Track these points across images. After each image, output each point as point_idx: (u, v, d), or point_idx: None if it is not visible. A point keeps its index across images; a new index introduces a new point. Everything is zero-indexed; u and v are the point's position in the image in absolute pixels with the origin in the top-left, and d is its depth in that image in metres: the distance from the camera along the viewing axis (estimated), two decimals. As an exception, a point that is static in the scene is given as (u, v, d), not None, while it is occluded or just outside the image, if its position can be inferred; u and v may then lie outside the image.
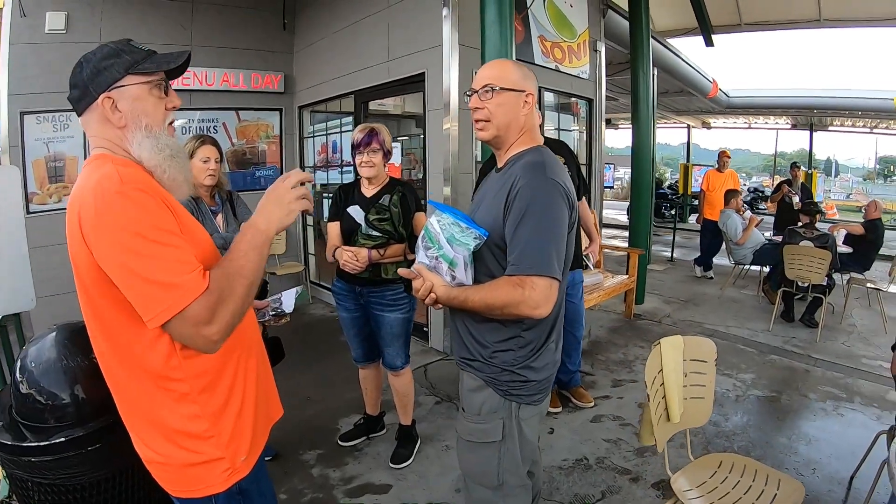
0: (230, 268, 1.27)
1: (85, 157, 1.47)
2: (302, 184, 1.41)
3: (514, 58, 4.07)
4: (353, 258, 2.91)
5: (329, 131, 7.01)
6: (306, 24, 7.02)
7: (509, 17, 3.99)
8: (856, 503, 2.94)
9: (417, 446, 3.46)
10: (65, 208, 1.29)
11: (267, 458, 3.31)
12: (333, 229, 3.11)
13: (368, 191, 3.10)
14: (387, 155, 3.08)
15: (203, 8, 6.54)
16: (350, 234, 3.05)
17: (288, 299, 1.68)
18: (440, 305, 1.76)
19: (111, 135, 1.35)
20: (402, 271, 1.81)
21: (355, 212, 3.02)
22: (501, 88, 1.75)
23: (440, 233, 1.73)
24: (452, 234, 1.71)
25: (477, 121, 1.81)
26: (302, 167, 7.46)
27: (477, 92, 1.79)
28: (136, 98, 1.34)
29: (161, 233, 1.19)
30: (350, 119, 6.37)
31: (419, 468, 3.30)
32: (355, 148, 3.01)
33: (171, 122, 1.42)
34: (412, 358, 3.33)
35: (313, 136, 7.37)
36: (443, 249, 1.72)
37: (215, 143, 2.98)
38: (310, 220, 7.51)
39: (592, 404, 4.08)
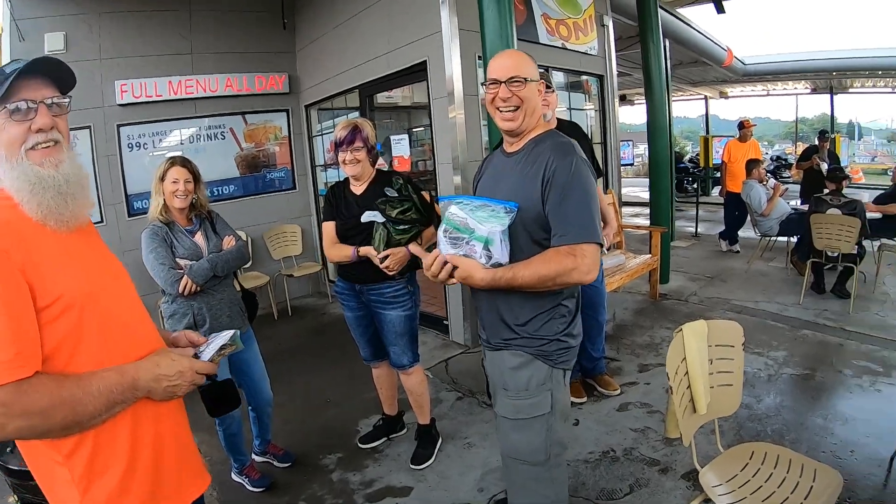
0: (69, 394, 1.14)
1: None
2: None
3: (516, 38, 3.96)
4: (395, 261, 2.85)
5: (338, 128, 6.91)
6: (306, 22, 6.92)
7: (507, -3, 3.86)
8: (897, 485, 2.80)
9: (438, 445, 3.39)
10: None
11: (285, 465, 3.36)
12: (329, 229, 3.05)
13: (358, 188, 3.03)
14: (371, 151, 2.99)
15: (200, 15, 6.47)
16: (365, 237, 2.94)
17: (212, 347, 1.53)
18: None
19: None
20: (428, 263, 1.88)
21: (372, 216, 2.92)
22: (530, 80, 1.88)
23: (467, 217, 1.81)
24: (481, 215, 1.79)
25: (505, 110, 1.91)
26: (313, 166, 7.43)
27: (503, 83, 1.87)
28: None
29: None
30: (356, 114, 6.25)
31: (440, 468, 3.23)
32: (338, 146, 2.93)
33: (35, 146, 1.27)
34: (433, 353, 3.26)
35: (322, 135, 7.30)
36: (475, 232, 1.78)
37: (186, 164, 2.91)
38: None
39: (618, 392, 3.95)
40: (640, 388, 4.03)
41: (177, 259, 2.81)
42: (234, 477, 3.23)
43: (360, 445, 3.51)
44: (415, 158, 6.11)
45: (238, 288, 3.21)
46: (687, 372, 2.25)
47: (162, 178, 2.85)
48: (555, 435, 1.96)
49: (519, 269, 1.77)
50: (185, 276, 2.75)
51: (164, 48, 6.21)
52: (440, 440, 3.43)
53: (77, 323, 1.22)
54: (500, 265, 1.79)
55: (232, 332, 1.56)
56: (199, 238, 2.95)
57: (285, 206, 7.31)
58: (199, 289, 2.79)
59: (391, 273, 2.88)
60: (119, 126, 6.02)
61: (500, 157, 2.07)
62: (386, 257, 2.82)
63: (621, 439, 3.38)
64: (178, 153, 6.25)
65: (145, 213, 5.81)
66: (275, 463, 3.39)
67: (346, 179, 3.10)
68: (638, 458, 3.18)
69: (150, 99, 6.10)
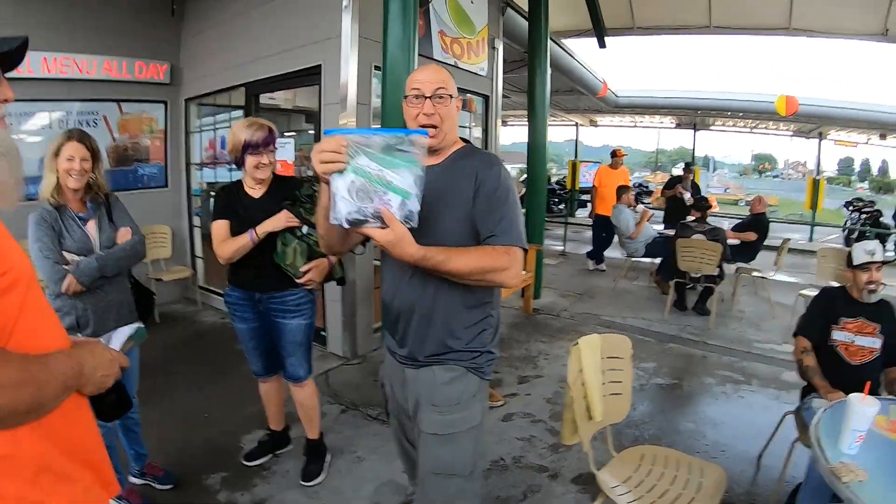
0: (35, 370, 1.05)
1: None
2: None
3: (416, 52, 3.97)
4: (319, 273, 2.82)
5: (217, 126, 6.61)
6: (196, 10, 6.54)
7: (413, 11, 3.89)
8: (766, 479, 3.10)
9: (328, 460, 3.28)
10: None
11: (166, 487, 3.07)
12: (222, 228, 2.79)
13: (256, 192, 2.86)
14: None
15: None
16: (271, 245, 2.79)
17: (117, 339, 1.50)
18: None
19: None
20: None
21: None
22: (453, 97, 1.86)
23: (383, 169, 1.47)
24: (397, 158, 1.48)
25: (426, 126, 1.80)
26: (188, 164, 7.01)
27: (429, 98, 1.82)
28: None
29: None
30: (240, 113, 6.02)
31: (333, 483, 3.13)
32: (253, 148, 2.72)
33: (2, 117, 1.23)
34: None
35: (200, 131, 6.91)
36: (393, 183, 1.48)
37: (85, 139, 2.60)
38: (197, 220, 7.07)
39: (502, 403, 4.05)
40: (521, 399, 4.15)
41: (63, 252, 2.51)
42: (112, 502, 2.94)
43: (245, 463, 3.30)
44: (296, 165, 5.94)
45: (130, 283, 2.89)
46: (584, 382, 2.35)
47: (56, 154, 2.53)
48: (480, 446, 1.96)
49: (453, 254, 1.67)
50: (70, 275, 2.46)
51: (40, 16, 5.57)
52: (329, 455, 3.32)
53: (21, 300, 1.11)
54: (413, 213, 1.52)
55: (137, 325, 1.52)
56: (91, 228, 2.64)
57: (156, 205, 6.77)
58: (83, 289, 2.51)
59: (312, 286, 2.82)
60: (-19, 105, 5.34)
61: None
62: (306, 273, 2.77)
63: (509, 448, 3.46)
64: (41, 138, 5.67)
65: (1, 206, 5.28)
66: (155, 485, 3.08)
67: (239, 182, 2.92)
68: (527, 465, 3.27)
69: (21, 75, 5.39)
